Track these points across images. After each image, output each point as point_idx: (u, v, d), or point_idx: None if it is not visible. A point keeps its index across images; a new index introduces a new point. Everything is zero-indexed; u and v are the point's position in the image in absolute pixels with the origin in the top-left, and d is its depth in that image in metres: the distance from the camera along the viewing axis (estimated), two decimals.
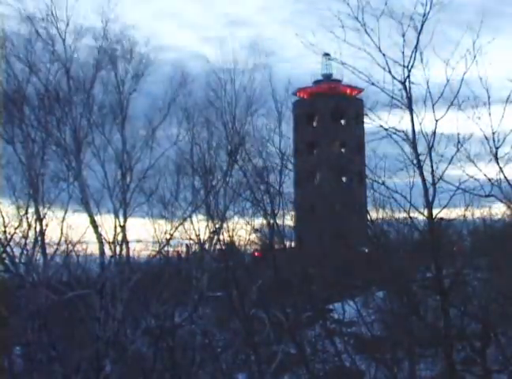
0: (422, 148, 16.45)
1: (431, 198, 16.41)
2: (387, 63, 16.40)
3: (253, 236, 26.53)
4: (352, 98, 75.97)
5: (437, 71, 16.26)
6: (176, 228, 23.66)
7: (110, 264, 22.22)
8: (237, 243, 25.87)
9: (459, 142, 15.99)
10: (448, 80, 15.97)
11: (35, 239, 22.46)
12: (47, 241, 22.59)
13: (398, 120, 16.60)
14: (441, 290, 16.80)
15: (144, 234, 24.04)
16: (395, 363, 22.53)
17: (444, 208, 16.79)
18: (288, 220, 26.19)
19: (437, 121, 16.29)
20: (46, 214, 22.58)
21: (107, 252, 22.28)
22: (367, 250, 27.52)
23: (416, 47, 16.21)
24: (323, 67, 77.86)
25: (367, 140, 18.49)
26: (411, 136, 16.51)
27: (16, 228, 22.53)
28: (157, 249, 23.68)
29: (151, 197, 23.53)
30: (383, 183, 17.17)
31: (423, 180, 16.45)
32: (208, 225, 24.28)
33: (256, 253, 31.11)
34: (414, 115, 16.46)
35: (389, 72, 16.44)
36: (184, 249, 26.19)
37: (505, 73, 16.28)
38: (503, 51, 27.13)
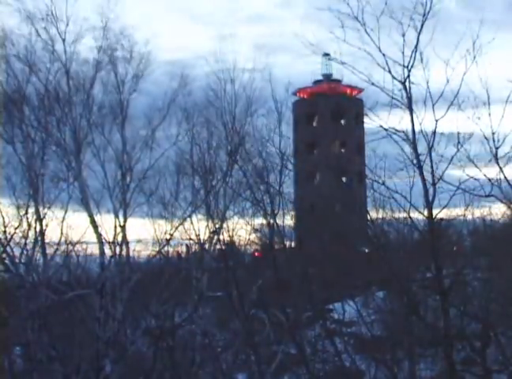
0: (422, 148, 16.46)
1: (431, 198, 16.39)
2: (387, 63, 16.44)
3: (253, 236, 26.60)
4: (352, 98, 76.14)
5: (437, 71, 16.28)
6: (176, 228, 23.66)
7: (110, 264, 22.20)
8: (237, 243, 25.91)
9: (459, 142, 16.00)
10: (448, 80, 16.01)
11: (35, 239, 22.46)
12: (47, 241, 22.62)
13: (398, 120, 16.63)
14: (441, 290, 16.79)
15: (144, 234, 24.09)
16: (395, 363, 22.56)
17: (444, 208, 16.79)
18: (288, 220, 26.18)
19: (437, 121, 16.29)
20: (46, 214, 22.60)
21: (107, 252, 22.29)
22: (367, 250, 27.54)
23: (416, 47, 16.23)
24: (323, 67, 78.01)
25: (367, 140, 18.45)
26: (411, 136, 16.50)
27: (16, 228, 22.53)
28: (157, 249, 23.69)
29: (151, 197, 23.55)
30: (383, 183, 17.15)
31: (423, 180, 16.43)
32: (208, 225, 24.29)
33: (256, 253, 31.14)
34: (414, 115, 16.47)
35: (389, 72, 16.47)
36: (184, 249, 26.27)
37: (505, 73, 16.31)
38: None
